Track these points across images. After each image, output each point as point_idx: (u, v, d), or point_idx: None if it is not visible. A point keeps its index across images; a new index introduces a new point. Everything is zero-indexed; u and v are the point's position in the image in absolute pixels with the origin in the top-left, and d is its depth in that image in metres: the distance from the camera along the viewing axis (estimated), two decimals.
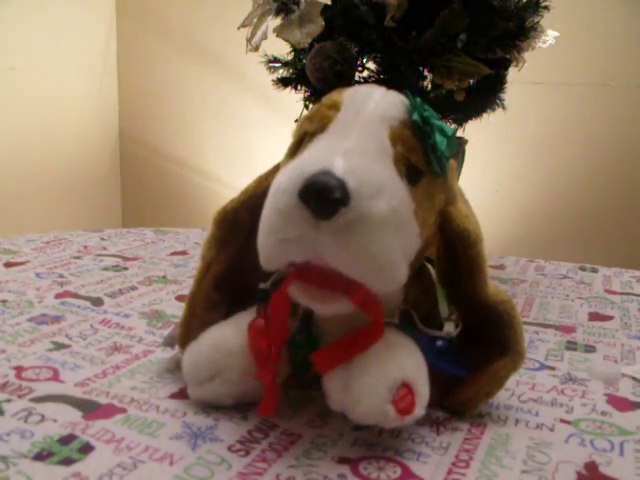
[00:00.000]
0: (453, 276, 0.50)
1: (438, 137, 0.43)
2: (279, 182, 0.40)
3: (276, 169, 0.50)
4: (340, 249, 0.38)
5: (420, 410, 0.43)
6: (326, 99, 0.46)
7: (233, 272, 0.52)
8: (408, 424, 0.42)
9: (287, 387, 0.51)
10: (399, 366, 0.43)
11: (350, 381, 0.42)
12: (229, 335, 0.48)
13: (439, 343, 0.47)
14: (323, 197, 0.37)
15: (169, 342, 0.57)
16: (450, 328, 0.49)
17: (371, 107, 0.43)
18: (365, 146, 0.41)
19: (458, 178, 0.92)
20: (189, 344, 0.49)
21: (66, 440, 0.43)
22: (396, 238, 0.40)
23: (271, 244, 0.40)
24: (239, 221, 0.50)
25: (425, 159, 0.44)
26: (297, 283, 0.42)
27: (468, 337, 0.50)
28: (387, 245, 0.39)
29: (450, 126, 0.45)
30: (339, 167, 0.38)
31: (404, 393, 0.42)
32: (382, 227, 0.39)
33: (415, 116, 0.43)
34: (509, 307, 0.48)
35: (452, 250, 0.49)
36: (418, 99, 0.44)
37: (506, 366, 0.48)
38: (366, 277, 0.40)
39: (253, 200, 0.49)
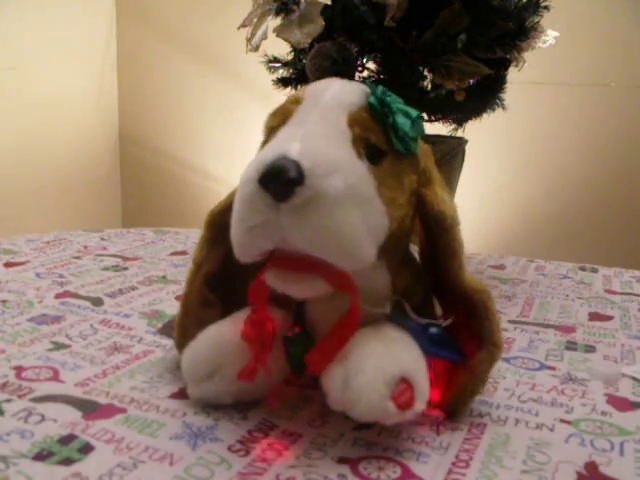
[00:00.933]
0: (433, 263, 0.50)
1: (401, 119, 0.44)
2: (243, 174, 0.42)
3: None
4: (300, 228, 0.39)
5: (420, 404, 0.43)
6: (290, 95, 0.48)
7: (225, 272, 0.53)
8: (409, 419, 0.42)
9: (287, 385, 0.51)
10: (396, 361, 0.43)
11: (348, 380, 0.42)
12: (227, 332, 0.48)
13: (432, 330, 0.47)
14: (279, 179, 0.39)
15: (166, 331, 0.57)
16: (441, 320, 0.49)
17: (329, 96, 0.45)
18: (321, 130, 0.43)
19: (458, 178, 0.93)
20: (186, 344, 0.50)
21: (66, 440, 0.43)
22: (356, 214, 0.41)
23: (240, 233, 0.42)
24: (227, 222, 0.51)
25: (387, 139, 0.45)
26: (272, 270, 0.43)
27: (455, 331, 0.50)
28: (346, 220, 0.40)
29: (415, 110, 0.46)
30: (294, 151, 0.40)
31: (403, 388, 0.42)
32: (339, 203, 0.40)
33: (371, 99, 0.45)
34: (485, 297, 0.48)
35: (430, 235, 0.49)
36: (379, 86, 0.46)
37: (483, 360, 0.48)
38: (330, 254, 0.40)
39: None
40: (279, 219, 0.39)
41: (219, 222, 0.52)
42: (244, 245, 0.43)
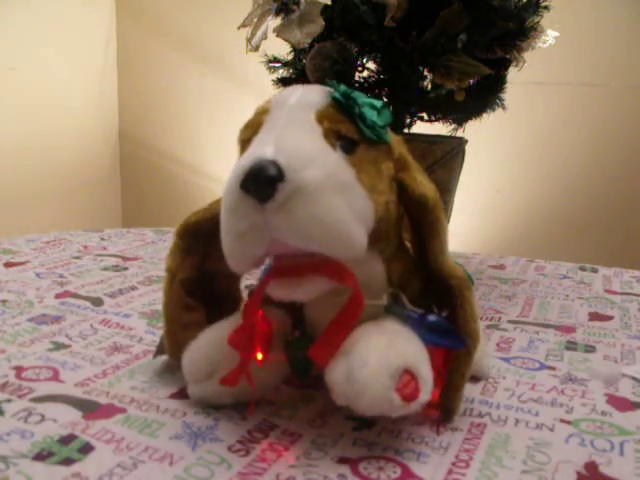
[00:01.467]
0: (419, 249, 0.50)
1: (367, 110, 0.46)
2: (224, 188, 0.43)
3: None
4: (288, 223, 0.40)
5: (425, 395, 0.42)
6: (257, 107, 0.49)
7: (202, 278, 0.54)
8: (415, 410, 0.42)
9: (288, 386, 0.51)
10: (399, 353, 0.43)
11: (352, 373, 0.42)
12: (227, 332, 0.48)
13: (430, 318, 0.47)
14: (259, 180, 0.39)
15: (160, 352, 0.57)
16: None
17: (294, 100, 0.46)
18: (292, 130, 0.44)
19: (458, 178, 0.93)
20: (179, 351, 0.50)
21: (66, 440, 0.43)
22: (340, 200, 0.41)
23: (229, 243, 0.43)
24: (201, 233, 0.52)
25: (357, 130, 0.46)
26: (272, 282, 0.44)
27: None
28: (331, 207, 0.41)
29: (378, 100, 0.47)
30: (269, 152, 0.40)
31: (407, 379, 0.42)
32: (321, 192, 0.40)
33: (336, 94, 0.46)
34: (462, 285, 0.48)
35: (415, 222, 0.50)
36: (342, 85, 0.47)
37: (460, 355, 0.47)
38: (321, 243, 0.41)
39: (218, 216, 0.50)
40: (266, 220, 0.40)
41: (193, 232, 0.53)
42: (236, 254, 0.43)
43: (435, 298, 0.51)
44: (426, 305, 0.49)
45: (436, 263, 0.48)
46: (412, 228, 0.51)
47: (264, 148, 0.41)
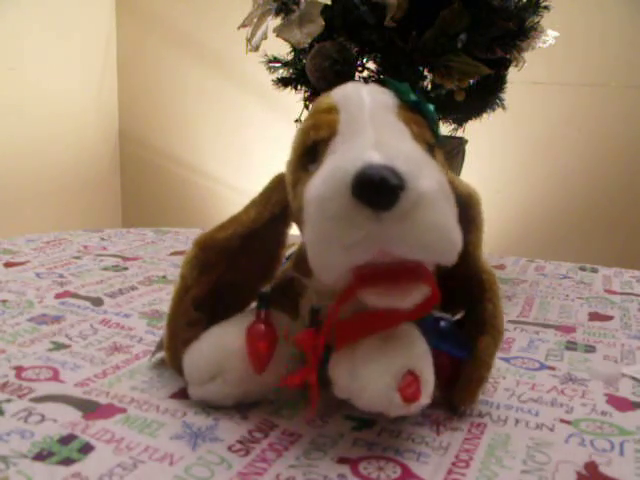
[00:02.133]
0: None
1: (431, 112, 0.45)
2: (319, 193, 0.39)
3: (269, 194, 0.50)
4: (408, 233, 0.38)
5: (425, 398, 0.43)
6: (319, 105, 0.46)
7: (213, 292, 0.52)
8: (414, 412, 0.42)
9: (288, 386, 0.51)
10: (404, 353, 0.43)
11: (356, 368, 0.42)
12: (231, 336, 0.48)
13: (442, 324, 0.47)
14: (382, 188, 0.37)
15: (159, 350, 0.57)
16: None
17: (368, 101, 0.44)
18: (388, 133, 0.42)
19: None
20: (178, 361, 0.49)
21: (66, 440, 0.43)
22: (448, 205, 0.41)
23: (334, 254, 0.39)
24: (227, 249, 0.49)
25: (431, 133, 0.45)
26: (368, 290, 0.40)
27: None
28: (445, 213, 0.40)
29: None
30: (379, 157, 0.38)
31: (410, 380, 0.42)
32: (437, 199, 0.39)
33: (413, 97, 0.45)
34: (492, 279, 0.49)
35: None
36: (401, 84, 0.46)
37: (488, 345, 0.48)
38: (436, 251, 0.39)
39: (250, 230, 0.49)
40: (382, 230, 0.37)
41: (219, 249, 0.49)
42: (337, 265, 0.39)
43: (462, 293, 0.50)
44: (437, 306, 0.49)
45: (473, 256, 0.49)
46: None
47: (367, 152, 0.39)
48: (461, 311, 0.53)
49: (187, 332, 0.50)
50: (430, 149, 0.45)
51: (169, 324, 0.51)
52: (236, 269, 0.51)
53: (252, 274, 0.53)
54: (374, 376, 0.41)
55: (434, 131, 0.46)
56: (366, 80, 0.88)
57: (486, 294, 0.49)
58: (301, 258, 0.47)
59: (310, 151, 0.45)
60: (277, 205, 0.50)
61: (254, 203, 0.50)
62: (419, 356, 0.44)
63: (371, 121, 0.42)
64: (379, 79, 0.85)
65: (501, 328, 0.49)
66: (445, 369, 0.49)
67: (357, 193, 0.37)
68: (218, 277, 0.51)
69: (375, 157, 0.38)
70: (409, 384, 0.42)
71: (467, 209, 0.49)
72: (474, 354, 0.48)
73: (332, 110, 0.44)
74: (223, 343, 0.47)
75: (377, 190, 0.37)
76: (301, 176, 0.45)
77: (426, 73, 0.87)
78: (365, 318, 0.43)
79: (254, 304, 0.53)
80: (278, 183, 0.50)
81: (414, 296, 0.41)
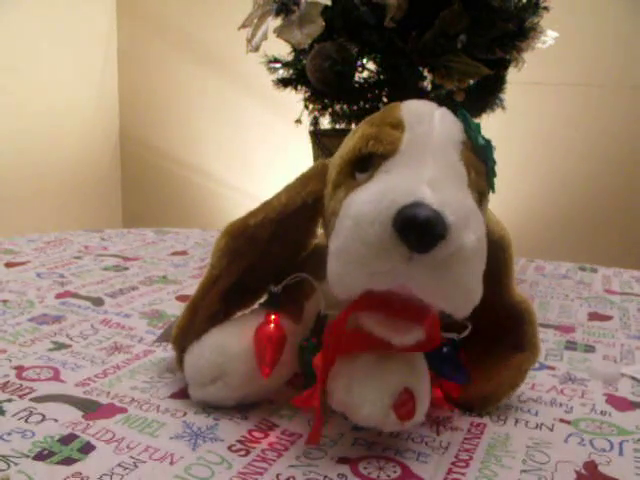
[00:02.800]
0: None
1: (492, 161, 0.44)
2: (362, 212, 0.39)
3: (305, 180, 0.48)
4: (435, 282, 0.38)
5: (420, 416, 0.43)
6: (387, 116, 0.44)
7: (239, 284, 0.51)
8: (408, 430, 0.43)
9: (288, 386, 0.51)
10: (402, 371, 0.43)
11: (353, 384, 0.42)
12: (233, 338, 0.48)
13: (445, 349, 0.47)
14: (425, 232, 0.36)
15: (165, 338, 0.57)
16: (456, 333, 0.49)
17: (437, 129, 0.42)
18: (446, 173, 0.41)
19: None
20: (183, 346, 0.49)
21: (67, 440, 0.43)
22: (481, 266, 0.40)
23: (356, 276, 0.39)
24: (258, 236, 0.48)
25: (485, 181, 0.44)
26: (370, 314, 0.41)
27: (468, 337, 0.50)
28: (476, 275, 0.40)
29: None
30: (432, 198, 0.37)
31: (405, 399, 0.42)
32: (473, 258, 0.39)
33: (481, 141, 0.43)
34: (528, 305, 0.52)
35: None
36: (473, 121, 0.44)
37: (528, 359, 0.51)
38: (454, 306, 0.39)
39: (282, 215, 0.48)
40: (409, 269, 0.37)
41: (250, 235, 0.48)
42: (356, 286, 0.39)
43: (497, 321, 0.52)
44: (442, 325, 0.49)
45: (508, 293, 0.52)
46: None
47: (422, 188, 0.38)
48: (492, 334, 0.53)
49: (205, 324, 0.49)
50: (480, 198, 0.43)
51: (190, 309, 0.49)
52: (265, 258, 0.50)
53: (280, 263, 0.51)
54: (371, 393, 0.41)
55: (489, 181, 0.44)
56: (366, 80, 0.88)
57: (526, 318, 0.52)
58: (318, 260, 0.44)
59: (364, 160, 0.43)
60: (311, 194, 0.48)
61: (287, 188, 0.49)
62: (416, 375, 0.44)
63: (434, 153, 0.41)
64: (452, 104, 0.84)
65: (539, 346, 0.52)
66: (440, 391, 0.50)
67: (399, 228, 0.36)
68: (246, 267, 0.50)
69: (427, 197, 0.37)
70: (404, 402, 0.42)
71: (500, 252, 0.50)
72: (511, 363, 0.51)
73: (399, 126, 0.43)
74: (225, 345, 0.47)
75: (419, 232, 0.36)
76: (346, 181, 0.44)
77: (426, 73, 0.87)
78: (366, 336, 0.43)
79: (255, 304, 0.53)
80: (318, 173, 0.48)
81: (407, 337, 0.41)
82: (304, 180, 0.49)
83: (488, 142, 0.43)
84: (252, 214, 0.48)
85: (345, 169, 0.45)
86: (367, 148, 0.43)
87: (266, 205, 0.48)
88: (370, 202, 0.38)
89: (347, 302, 0.42)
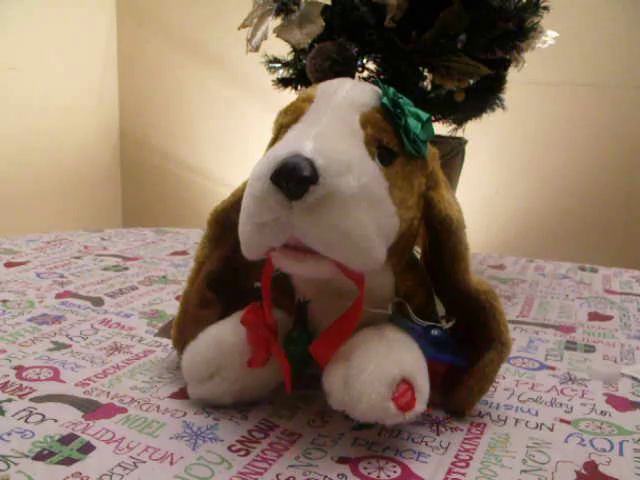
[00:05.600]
0: (437, 266, 0.50)
1: (412, 121, 0.45)
2: (254, 171, 0.42)
3: None
4: (312, 227, 0.39)
5: (421, 405, 0.43)
6: (301, 93, 0.48)
7: (226, 271, 0.53)
8: (409, 420, 0.42)
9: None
10: (398, 362, 0.43)
11: (349, 379, 0.42)
12: (228, 333, 0.48)
13: (434, 332, 0.47)
14: (293, 177, 0.38)
15: (164, 333, 0.57)
16: (443, 321, 0.49)
17: (341, 95, 0.45)
18: (334, 129, 0.43)
19: (458, 178, 0.93)
20: (183, 343, 0.50)
21: (67, 440, 0.43)
22: (368, 214, 0.41)
23: (249, 230, 0.42)
24: (230, 221, 0.50)
25: (398, 141, 0.45)
26: (278, 252, 0.43)
27: (459, 333, 0.50)
28: (358, 220, 0.40)
29: (425, 112, 0.46)
30: (308, 149, 0.39)
31: (404, 389, 0.42)
32: (352, 203, 0.40)
33: (384, 99, 0.45)
34: (491, 297, 0.49)
35: (435, 238, 0.49)
36: (391, 88, 0.46)
37: (492, 360, 0.48)
38: (341, 254, 0.40)
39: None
40: (290, 217, 0.39)
41: (222, 220, 0.52)
42: (252, 241, 0.42)
43: (449, 308, 0.51)
44: (430, 315, 0.49)
45: (463, 283, 0.49)
46: (429, 240, 0.50)
47: (303, 142, 0.40)
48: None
49: (199, 311, 0.51)
50: (387, 155, 0.44)
51: (182, 300, 0.53)
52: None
53: None
54: (368, 387, 0.41)
55: (405, 140, 0.45)
56: (366, 80, 0.88)
57: (488, 313, 0.48)
58: None
59: (279, 133, 0.47)
60: None
61: (247, 178, 0.51)
62: (412, 364, 0.44)
63: (329, 115, 0.43)
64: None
65: (507, 341, 0.49)
66: (439, 375, 0.49)
67: (273, 177, 0.39)
68: (228, 254, 0.52)
69: (303, 148, 0.39)
70: (403, 393, 0.42)
71: (447, 235, 0.48)
72: (478, 367, 0.48)
73: (308, 99, 0.46)
74: (220, 341, 0.48)
75: (287, 177, 0.39)
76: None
77: (426, 73, 0.87)
78: (334, 328, 0.44)
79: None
80: None
81: (311, 264, 0.42)
82: None
83: (394, 103, 0.45)
84: (221, 202, 0.52)
85: (269, 145, 0.49)
86: (278, 122, 0.47)
87: (235, 191, 0.52)
88: (262, 162, 0.41)
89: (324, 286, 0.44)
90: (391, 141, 0.44)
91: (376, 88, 0.47)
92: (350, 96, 0.45)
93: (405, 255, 0.49)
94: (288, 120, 0.46)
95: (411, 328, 0.47)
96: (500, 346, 0.48)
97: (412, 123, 0.45)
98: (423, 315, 0.49)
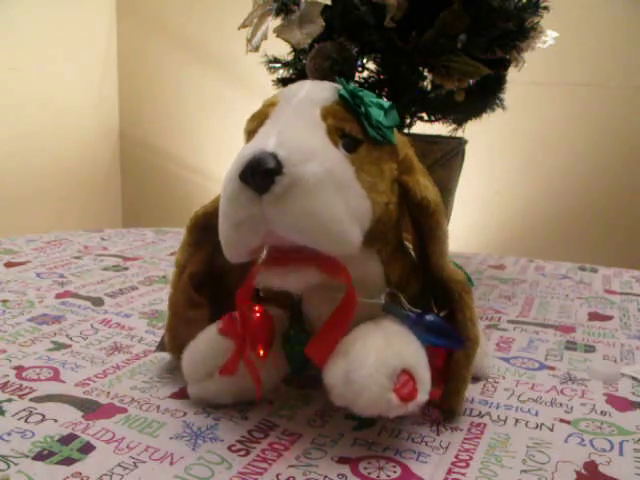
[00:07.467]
0: (423, 255, 0.50)
1: (374, 109, 0.46)
2: (225, 175, 0.43)
3: None
4: (283, 216, 0.40)
5: (422, 395, 0.43)
6: (265, 100, 0.49)
7: (210, 274, 0.54)
8: (412, 411, 0.42)
9: (288, 386, 0.51)
10: (397, 353, 0.43)
11: (350, 374, 0.42)
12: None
13: (428, 318, 0.47)
14: (258, 171, 0.40)
15: (163, 347, 0.57)
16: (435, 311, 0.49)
17: (301, 94, 0.46)
18: (296, 124, 0.44)
19: (458, 178, 0.93)
20: (178, 346, 0.50)
21: (66, 440, 0.43)
22: (336, 197, 0.42)
23: (226, 231, 0.43)
24: (211, 225, 0.51)
25: (361, 129, 0.46)
26: (262, 270, 0.44)
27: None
28: (327, 204, 0.41)
29: (386, 101, 0.47)
30: (271, 144, 0.41)
31: (405, 380, 0.42)
32: (319, 188, 0.41)
33: (342, 91, 0.46)
34: (461, 289, 0.48)
35: (416, 224, 0.50)
36: (351, 83, 0.47)
37: (459, 359, 0.48)
38: (314, 239, 0.41)
39: None
40: (263, 211, 0.40)
41: (202, 225, 0.53)
42: (232, 243, 0.44)
43: (435, 300, 0.51)
44: (425, 305, 0.49)
45: (436, 266, 0.48)
46: (414, 230, 0.51)
47: (266, 140, 0.42)
48: None
49: (189, 312, 0.52)
50: (352, 142, 0.45)
51: (169, 305, 0.54)
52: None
53: None
54: (369, 380, 0.41)
55: (367, 127, 0.46)
56: (366, 80, 0.88)
57: (456, 303, 0.48)
58: None
59: (248, 139, 0.48)
60: None
61: None
62: (412, 354, 0.44)
63: (290, 114, 0.45)
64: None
65: (475, 338, 0.48)
66: (440, 362, 0.49)
67: (241, 175, 0.40)
68: (209, 256, 0.53)
69: (267, 145, 0.41)
70: (405, 383, 0.42)
71: (425, 218, 0.48)
72: (449, 368, 0.48)
73: (272, 104, 0.47)
74: (219, 340, 0.48)
75: (253, 173, 0.40)
76: None
77: (426, 73, 0.87)
78: (328, 328, 0.45)
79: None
80: None
81: (299, 276, 0.43)
82: None
83: (353, 94, 0.46)
84: (202, 207, 0.53)
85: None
86: (246, 129, 0.49)
87: (213, 199, 0.53)
88: (231, 165, 0.43)
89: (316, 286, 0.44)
90: (354, 129, 0.45)
91: (336, 85, 0.48)
92: (310, 94, 0.46)
93: (388, 241, 0.49)
94: (254, 126, 0.47)
95: (406, 316, 0.47)
96: (467, 342, 0.47)
97: (374, 111, 0.46)
98: (417, 304, 0.48)
